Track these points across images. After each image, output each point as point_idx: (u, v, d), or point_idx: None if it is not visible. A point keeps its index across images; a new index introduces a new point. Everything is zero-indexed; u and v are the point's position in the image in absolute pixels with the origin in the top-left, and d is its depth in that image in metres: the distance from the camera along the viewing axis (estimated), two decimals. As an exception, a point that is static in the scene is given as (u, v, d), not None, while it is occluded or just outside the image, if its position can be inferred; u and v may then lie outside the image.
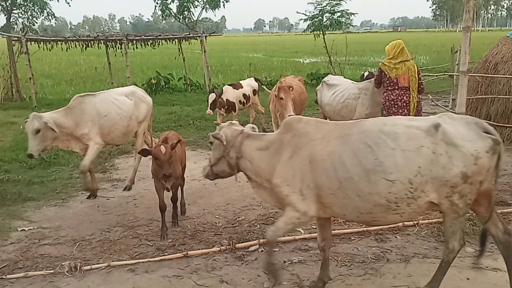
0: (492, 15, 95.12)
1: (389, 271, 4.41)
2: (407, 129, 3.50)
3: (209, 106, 10.05)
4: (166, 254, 4.89)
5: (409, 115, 6.71)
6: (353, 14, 21.38)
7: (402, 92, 6.83)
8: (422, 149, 3.40)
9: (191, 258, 4.77)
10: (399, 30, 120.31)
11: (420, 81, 6.96)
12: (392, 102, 6.84)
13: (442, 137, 3.40)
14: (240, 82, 11.31)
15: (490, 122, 9.33)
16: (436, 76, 13.94)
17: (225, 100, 10.21)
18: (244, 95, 10.70)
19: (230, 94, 10.37)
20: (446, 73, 13.30)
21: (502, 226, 3.80)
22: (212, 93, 10.15)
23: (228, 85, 10.84)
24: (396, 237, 5.14)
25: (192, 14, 24.73)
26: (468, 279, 4.25)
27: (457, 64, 12.28)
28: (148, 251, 5.01)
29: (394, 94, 6.85)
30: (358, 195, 3.50)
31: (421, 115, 6.76)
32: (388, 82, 6.92)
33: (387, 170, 3.42)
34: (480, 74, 9.92)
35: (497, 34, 11.71)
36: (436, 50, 35.91)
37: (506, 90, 9.23)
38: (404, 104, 6.79)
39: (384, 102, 6.98)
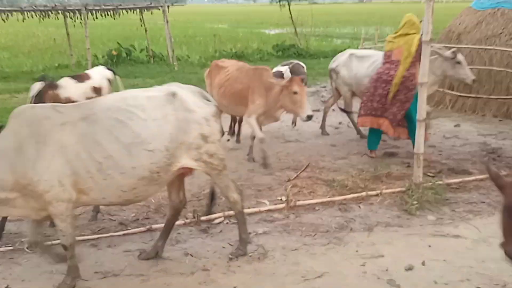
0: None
1: (352, 240, 4.46)
2: (150, 100, 3.69)
3: (31, 101, 6.83)
4: (129, 228, 4.82)
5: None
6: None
7: (392, 66, 6.60)
8: (168, 116, 3.65)
9: (155, 232, 4.70)
10: (364, 1, 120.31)
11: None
12: (379, 75, 6.68)
13: (180, 104, 3.72)
14: (87, 72, 8.25)
15: (453, 92, 9.51)
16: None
17: (63, 98, 6.90)
18: (94, 88, 7.58)
19: (71, 89, 7.27)
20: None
21: (183, 195, 4.28)
22: (39, 82, 7.16)
23: (69, 77, 7.69)
24: (359, 206, 5.19)
25: (154, -17, 24.09)
26: (429, 246, 4.32)
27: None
28: (111, 225, 4.92)
29: (383, 67, 6.70)
30: (122, 172, 3.51)
31: (411, 93, 6.43)
32: (384, 55, 6.85)
33: (146, 140, 3.55)
34: (443, 45, 10.01)
35: (461, 5, 11.90)
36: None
37: (469, 60, 9.36)
38: (390, 78, 6.53)
39: (372, 76, 6.87)
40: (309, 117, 6.18)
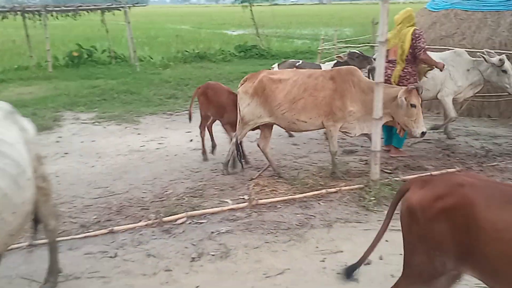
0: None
1: (312, 237, 4.57)
2: None
3: None
4: (91, 231, 4.80)
5: None
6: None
7: (390, 66, 6.52)
8: (19, 137, 3.13)
9: (116, 234, 4.70)
10: (324, 2, 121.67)
11: (416, 46, 6.39)
12: None
13: (20, 122, 3.26)
14: None
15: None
16: (359, 47, 14.32)
17: None
18: None
19: None
20: (368, 44, 13.69)
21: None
22: None
23: None
24: (319, 203, 5.31)
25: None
26: (386, 241, 4.45)
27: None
28: (72, 228, 4.88)
29: None
30: (14, 212, 2.87)
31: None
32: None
33: (25, 169, 3.02)
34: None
35: (418, 6, 12.26)
36: (360, 22, 36.84)
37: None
38: (387, 77, 6.31)
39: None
40: (423, 134, 5.75)
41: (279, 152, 7.27)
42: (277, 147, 7.56)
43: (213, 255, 4.28)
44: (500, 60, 6.92)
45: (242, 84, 6.30)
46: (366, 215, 5.02)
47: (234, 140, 6.35)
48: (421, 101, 5.77)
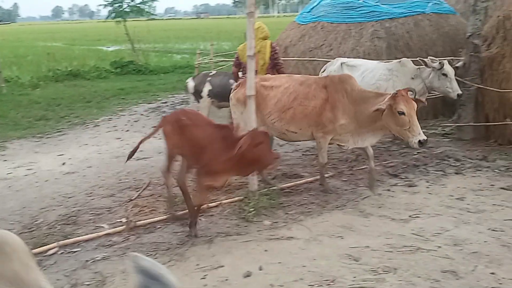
0: (286, 1, 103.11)
1: (193, 254, 4.49)
2: None
3: None
4: None
5: None
6: (152, 2, 21.27)
7: (244, 76, 6.47)
8: None
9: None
10: (201, 17, 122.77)
11: (276, 61, 6.58)
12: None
13: None
14: None
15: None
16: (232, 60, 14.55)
17: None
18: None
19: None
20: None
21: None
22: None
23: None
24: (200, 219, 5.24)
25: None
26: (266, 250, 4.52)
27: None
28: None
29: (244, 78, 6.58)
30: None
31: None
32: (243, 68, 6.63)
33: None
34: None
35: (290, 19, 12.78)
36: (237, 35, 37.60)
37: (296, 71, 10.01)
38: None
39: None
40: (422, 143, 5.04)
41: (160, 170, 7.08)
42: (158, 164, 7.34)
43: (88, 284, 4.04)
44: (439, 63, 6.89)
45: (235, 90, 5.95)
46: (246, 226, 5.04)
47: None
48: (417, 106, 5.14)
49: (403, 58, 7.48)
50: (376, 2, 10.18)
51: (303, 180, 6.29)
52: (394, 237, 4.66)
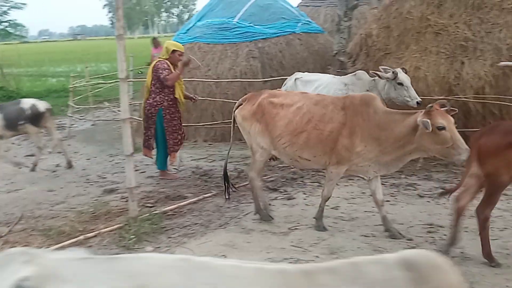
0: (166, 21, 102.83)
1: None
2: None
3: None
4: None
5: None
6: (21, 25, 20.18)
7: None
8: None
9: None
10: (78, 38, 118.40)
11: (158, 77, 6.97)
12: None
13: None
14: None
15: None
16: (114, 82, 14.19)
17: None
18: None
19: None
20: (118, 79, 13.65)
21: None
22: None
23: None
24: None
25: None
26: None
27: (131, 69, 12.75)
28: None
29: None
30: None
31: (152, 119, 7.20)
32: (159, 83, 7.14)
33: None
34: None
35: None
36: (116, 57, 36.69)
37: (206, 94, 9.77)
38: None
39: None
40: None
41: (33, 201, 6.67)
42: (31, 196, 6.95)
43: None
44: (393, 72, 6.47)
45: (240, 105, 5.37)
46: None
47: (250, 175, 5.52)
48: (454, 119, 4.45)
49: (358, 71, 7.27)
50: (250, 23, 10.55)
51: (186, 201, 6.26)
52: (275, 251, 4.79)
